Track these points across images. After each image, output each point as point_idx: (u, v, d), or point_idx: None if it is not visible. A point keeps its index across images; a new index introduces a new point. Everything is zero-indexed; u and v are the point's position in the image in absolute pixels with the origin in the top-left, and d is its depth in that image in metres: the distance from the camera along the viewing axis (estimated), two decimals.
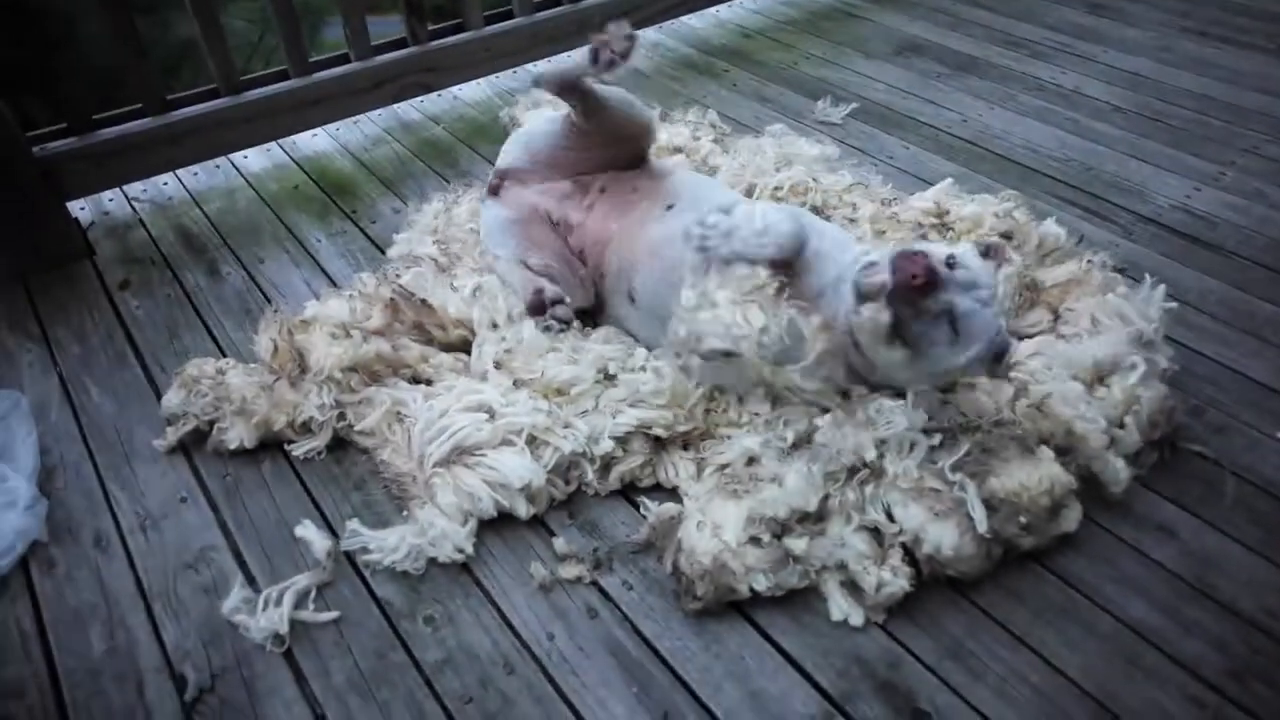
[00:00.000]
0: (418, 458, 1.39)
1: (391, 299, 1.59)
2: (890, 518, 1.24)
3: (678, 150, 2.09)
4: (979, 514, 1.19)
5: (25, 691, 1.17)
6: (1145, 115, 2.33)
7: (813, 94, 2.49)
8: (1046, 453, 1.28)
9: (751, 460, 1.33)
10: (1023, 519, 1.21)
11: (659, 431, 1.39)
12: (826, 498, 1.26)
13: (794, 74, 2.64)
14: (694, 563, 1.20)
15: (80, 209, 2.09)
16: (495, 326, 1.57)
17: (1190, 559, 1.26)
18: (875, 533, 1.24)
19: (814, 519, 1.25)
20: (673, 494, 1.37)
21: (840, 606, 1.20)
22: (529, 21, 2.49)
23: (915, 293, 1.20)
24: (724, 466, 1.33)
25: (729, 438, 1.39)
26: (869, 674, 1.14)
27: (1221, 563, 1.26)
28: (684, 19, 2.97)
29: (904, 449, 1.29)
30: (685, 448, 1.42)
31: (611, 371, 1.45)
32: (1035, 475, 1.22)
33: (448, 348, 1.59)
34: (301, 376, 1.49)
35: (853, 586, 1.21)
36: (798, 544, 1.21)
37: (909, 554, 1.23)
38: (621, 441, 1.38)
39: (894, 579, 1.19)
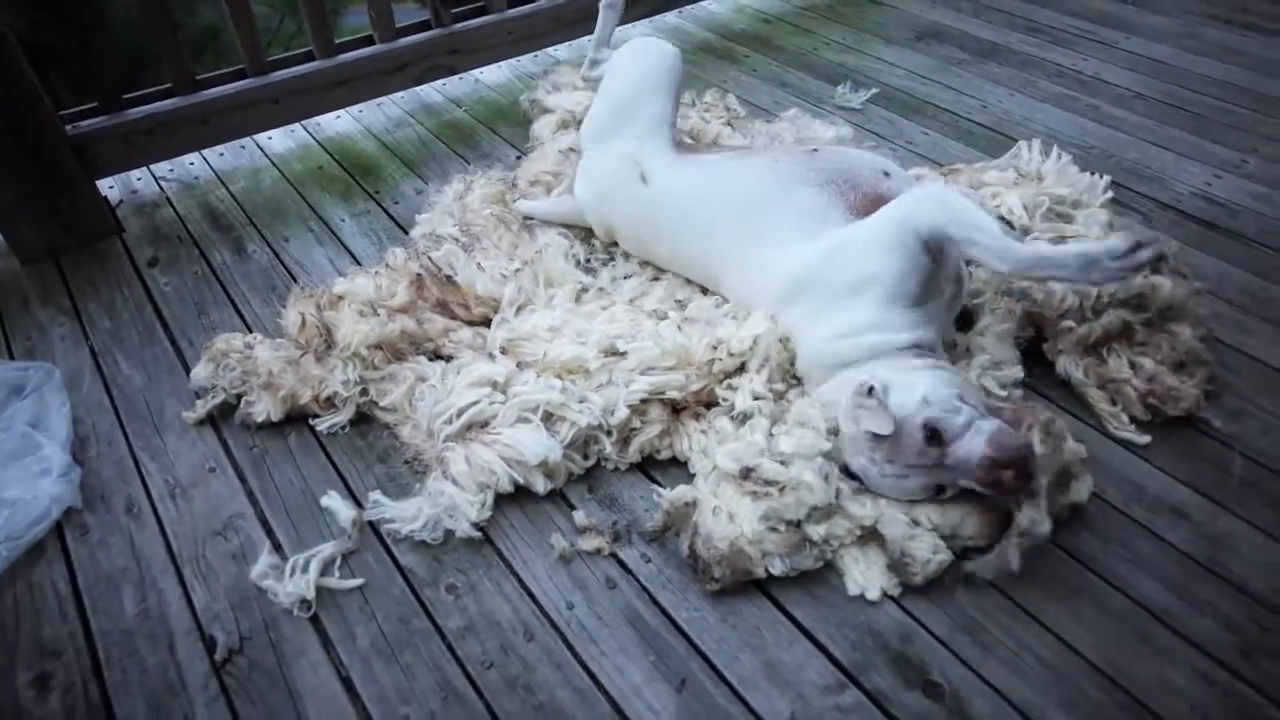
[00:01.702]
0: (425, 431, 1.43)
1: (418, 275, 1.62)
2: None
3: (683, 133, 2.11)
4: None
5: (62, 650, 1.21)
6: (1167, 102, 2.32)
7: (833, 79, 2.49)
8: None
9: (746, 418, 1.37)
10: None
11: (673, 394, 1.41)
12: (839, 493, 1.26)
13: (814, 59, 2.64)
14: (711, 547, 1.22)
15: (109, 187, 2.13)
16: (518, 310, 1.60)
17: (1203, 540, 1.27)
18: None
19: (828, 512, 1.25)
20: (689, 470, 1.39)
21: (857, 581, 1.22)
22: (551, 5, 2.50)
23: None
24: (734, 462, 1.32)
25: (732, 388, 1.42)
26: (882, 646, 1.16)
27: (1233, 544, 1.27)
28: (704, 3, 2.97)
29: None
30: (697, 418, 1.44)
31: (621, 349, 1.47)
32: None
33: (470, 324, 1.61)
34: (327, 352, 1.53)
35: (873, 560, 1.24)
36: (816, 529, 1.23)
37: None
38: (638, 411, 1.40)
39: (938, 553, 1.21)
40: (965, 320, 1.54)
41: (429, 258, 1.66)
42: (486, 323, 1.61)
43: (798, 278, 1.44)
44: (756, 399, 1.39)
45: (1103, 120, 2.27)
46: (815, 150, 1.62)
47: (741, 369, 1.45)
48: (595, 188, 1.76)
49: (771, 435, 1.33)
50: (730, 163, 1.65)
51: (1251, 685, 1.10)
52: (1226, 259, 1.78)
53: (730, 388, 1.43)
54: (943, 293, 1.39)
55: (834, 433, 1.31)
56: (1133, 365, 1.46)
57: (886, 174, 1.54)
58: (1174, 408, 1.42)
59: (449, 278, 1.62)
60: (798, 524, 1.23)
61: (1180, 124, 2.23)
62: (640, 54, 1.82)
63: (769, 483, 1.25)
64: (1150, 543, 1.27)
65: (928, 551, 1.20)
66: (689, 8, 2.94)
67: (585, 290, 1.66)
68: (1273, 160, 2.07)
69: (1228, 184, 2.00)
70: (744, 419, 1.38)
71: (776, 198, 1.53)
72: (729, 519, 1.24)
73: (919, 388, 1.23)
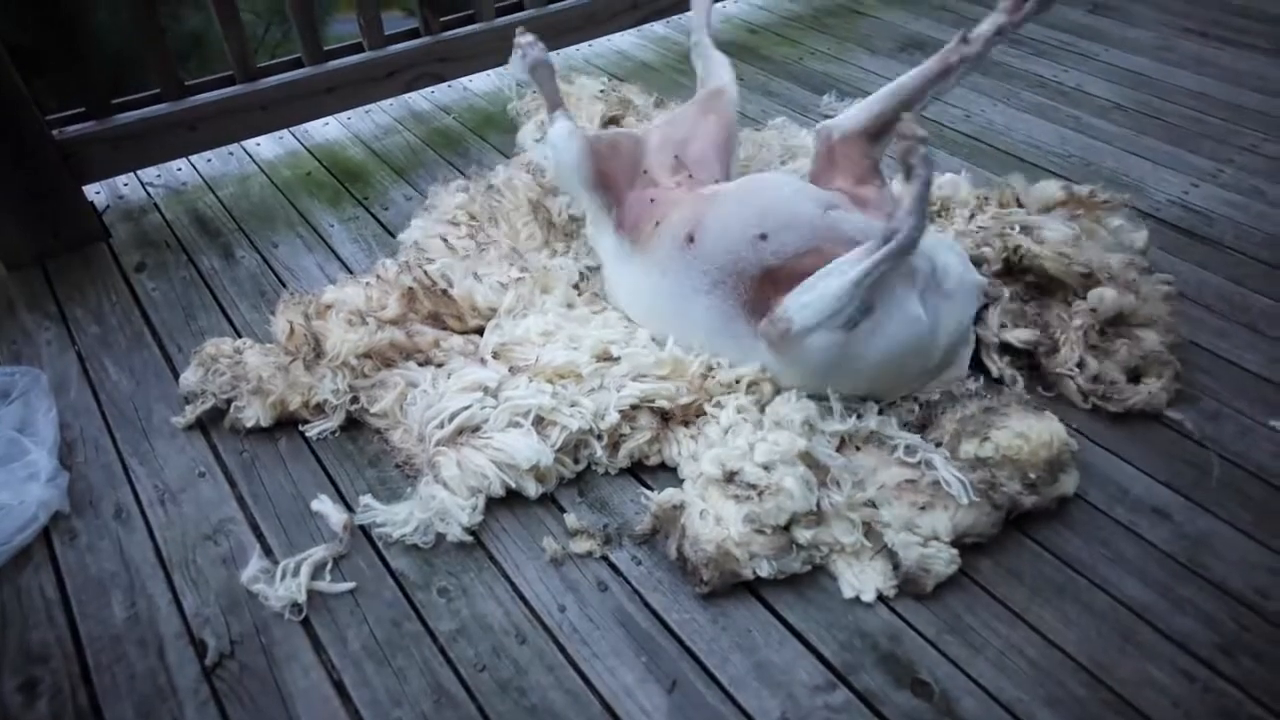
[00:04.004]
0: (416, 436, 1.43)
1: (409, 289, 1.61)
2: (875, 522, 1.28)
3: None
4: (956, 488, 1.25)
5: (50, 656, 1.20)
6: (1145, 113, 2.37)
7: (818, 89, 2.52)
8: (1049, 415, 1.33)
9: (729, 429, 1.38)
10: (1031, 475, 1.26)
11: (663, 403, 1.42)
12: (819, 500, 1.28)
13: (799, 69, 2.67)
14: (698, 550, 1.23)
15: (95, 193, 2.12)
16: (513, 316, 1.60)
17: (1183, 540, 1.30)
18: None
19: (815, 518, 1.27)
20: (678, 475, 1.40)
21: (851, 584, 1.24)
22: (539, 13, 2.52)
23: None
24: (723, 468, 1.32)
25: (719, 405, 1.43)
26: (871, 647, 1.18)
27: (1213, 544, 1.29)
28: (690, 14, 2.99)
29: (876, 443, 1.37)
30: (686, 424, 1.44)
31: (614, 354, 1.48)
32: (1036, 428, 1.27)
33: (462, 333, 1.62)
34: (317, 361, 1.53)
35: (867, 562, 1.25)
36: (804, 533, 1.24)
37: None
38: (628, 417, 1.41)
39: (950, 564, 1.23)
40: None
41: (424, 271, 1.65)
42: (479, 332, 1.61)
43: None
44: (741, 412, 1.40)
45: (1083, 130, 2.31)
46: (691, 239, 1.46)
47: (731, 390, 1.46)
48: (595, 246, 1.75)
49: (758, 438, 1.35)
50: (641, 260, 1.56)
51: (1231, 682, 1.13)
52: (1204, 266, 1.82)
53: (718, 405, 1.44)
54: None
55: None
56: (1080, 364, 1.49)
57: (763, 236, 1.40)
58: (1117, 405, 1.46)
59: (444, 291, 1.62)
60: (785, 527, 1.25)
61: (1158, 134, 2.27)
62: (553, 151, 1.74)
63: (751, 486, 1.27)
64: (1132, 543, 1.30)
65: (944, 565, 1.22)
66: (676, 18, 2.96)
67: (580, 291, 1.67)
68: (1248, 170, 2.12)
69: (1204, 192, 2.05)
70: (730, 428, 1.39)
71: (684, 315, 1.49)
72: (715, 521, 1.25)
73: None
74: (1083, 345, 1.49)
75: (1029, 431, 1.29)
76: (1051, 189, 1.82)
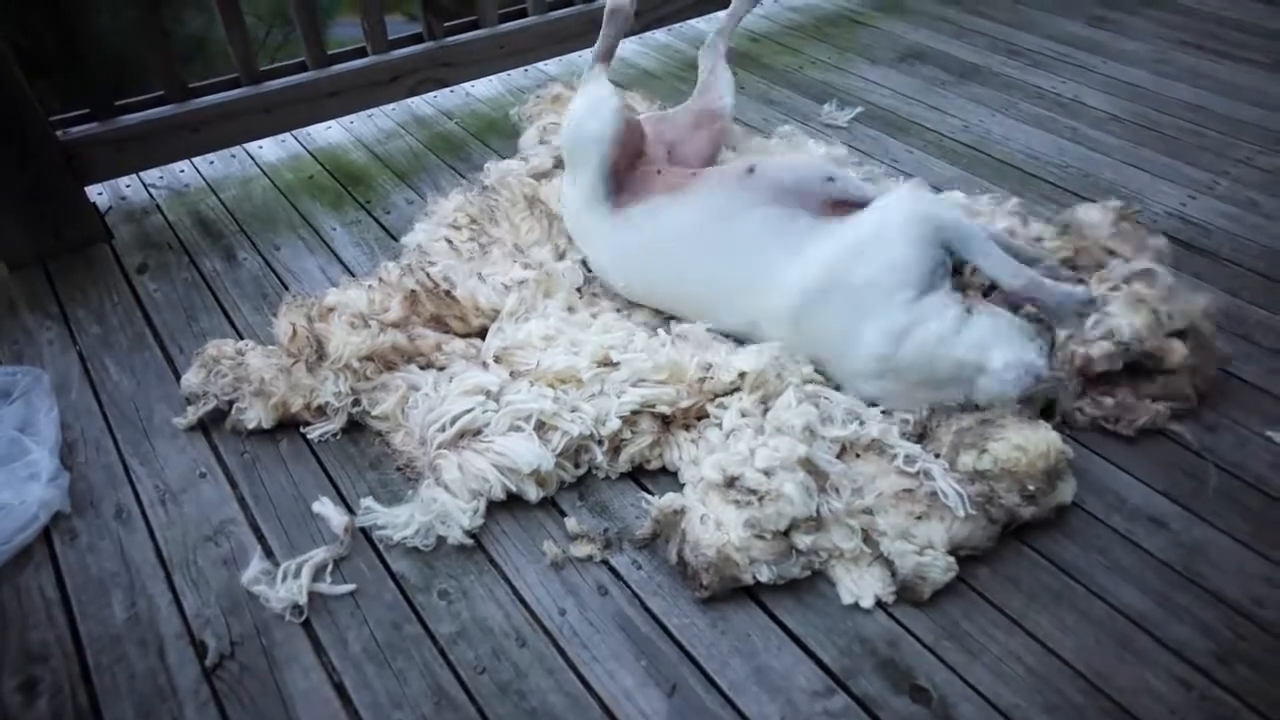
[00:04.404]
0: (418, 439, 1.43)
1: (412, 291, 1.62)
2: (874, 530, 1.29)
3: None
4: (953, 500, 1.26)
5: (50, 655, 1.20)
6: (1142, 125, 2.39)
7: (819, 98, 2.54)
8: (1044, 425, 1.35)
9: (730, 434, 1.39)
10: (1030, 486, 1.26)
11: (663, 409, 1.43)
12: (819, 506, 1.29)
13: (800, 78, 2.69)
14: (699, 554, 1.24)
15: (98, 194, 2.12)
16: (515, 319, 1.61)
17: (1180, 549, 1.31)
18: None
19: (815, 524, 1.27)
20: (678, 479, 1.41)
21: (850, 590, 1.24)
22: (542, 20, 2.53)
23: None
24: (724, 474, 1.33)
25: (723, 406, 1.44)
26: (870, 652, 1.18)
27: (1210, 553, 1.30)
28: (692, 22, 3.01)
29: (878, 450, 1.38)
30: (687, 428, 1.45)
31: (614, 359, 1.49)
32: (1033, 438, 1.28)
33: (465, 336, 1.63)
34: (319, 363, 1.53)
35: (865, 569, 1.26)
36: (804, 539, 1.25)
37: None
38: (629, 422, 1.42)
39: (948, 571, 1.24)
40: None
41: (426, 274, 1.66)
42: (481, 334, 1.62)
43: (814, 286, 1.46)
44: (744, 416, 1.41)
45: (1081, 141, 2.32)
46: (751, 170, 1.58)
47: (733, 390, 1.47)
48: (571, 218, 1.79)
49: (759, 443, 1.35)
50: (671, 208, 1.61)
51: (1227, 690, 1.14)
52: (1201, 277, 1.83)
53: (721, 406, 1.44)
54: None
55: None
56: (1095, 401, 1.48)
57: (831, 179, 1.57)
58: (1127, 428, 1.46)
59: (448, 292, 1.63)
60: (784, 533, 1.25)
61: (1155, 146, 2.29)
62: (584, 112, 1.75)
63: (751, 491, 1.27)
64: (1130, 551, 1.31)
65: (940, 573, 1.23)
66: (678, 25, 2.98)
67: (581, 294, 1.68)
68: (1244, 182, 2.14)
69: (1201, 205, 2.06)
70: (731, 432, 1.40)
71: (736, 227, 1.53)
72: (716, 526, 1.26)
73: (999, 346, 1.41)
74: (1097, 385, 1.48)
75: (1026, 443, 1.30)
76: (1095, 217, 1.75)
